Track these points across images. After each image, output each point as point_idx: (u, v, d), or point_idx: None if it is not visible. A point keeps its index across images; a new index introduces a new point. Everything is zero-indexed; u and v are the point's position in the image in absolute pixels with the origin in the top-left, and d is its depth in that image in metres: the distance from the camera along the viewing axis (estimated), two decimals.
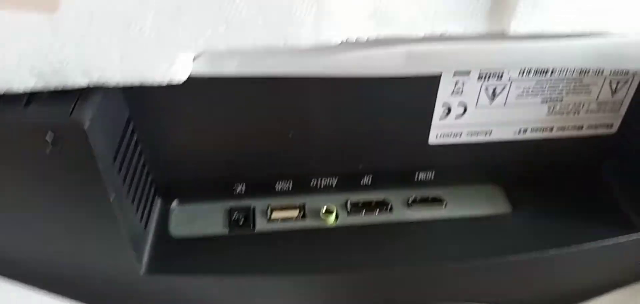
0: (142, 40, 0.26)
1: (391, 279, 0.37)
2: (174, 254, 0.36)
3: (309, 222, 0.38)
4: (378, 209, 0.39)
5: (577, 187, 0.40)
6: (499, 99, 0.35)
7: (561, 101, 0.35)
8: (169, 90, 0.28)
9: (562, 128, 0.37)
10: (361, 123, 0.35)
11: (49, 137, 0.27)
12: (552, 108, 0.36)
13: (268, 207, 0.38)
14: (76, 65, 0.26)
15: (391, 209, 0.39)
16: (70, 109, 0.27)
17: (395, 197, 0.40)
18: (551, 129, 0.37)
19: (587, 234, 0.37)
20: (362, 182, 0.39)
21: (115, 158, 0.30)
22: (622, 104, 0.36)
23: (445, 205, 0.39)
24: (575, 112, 0.36)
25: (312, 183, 0.39)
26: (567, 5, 0.27)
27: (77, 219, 0.31)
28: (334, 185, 0.39)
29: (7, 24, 0.25)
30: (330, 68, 0.29)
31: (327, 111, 0.34)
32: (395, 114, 0.35)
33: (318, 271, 0.36)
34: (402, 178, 0.39)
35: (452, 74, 0.33)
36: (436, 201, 0.40)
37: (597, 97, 0.36)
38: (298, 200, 0.39)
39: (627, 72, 0.35)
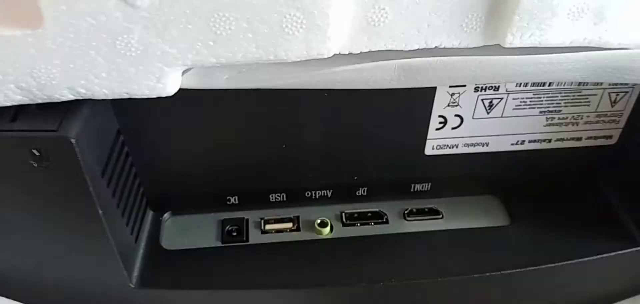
0: (129, 55, 0.25)
1: (387, 293, 0.36)
2: (165, 267, 0.35)
3: (303, 235, 0.38)
4: (374, 221, 0.38)
5: (576, 199, 0.40)
6: (496, 111, 0.34)
7: (559, 112, 0.35)
8: (160, 102, 0.27)
9: (561, 139, 0.37)
10: (356, 134, 0.35)
11: (36, 151, 0.27)
12: (550, 119, 0.35)
13: (261, 219, 0.38)
14: (62, 80, 0.26)
15: (387, 221, 0.39)
16: (57, 124, 0.26)
17: (391, 209, 0.39)
18: (549, 141, 0.36)
19: (587, 247, 0.36)
20: (357, 193, 0.39)
21: (104, 171, 0.30)
22: (621, 115, 0.36)
23: (442, 217, 0.39)
24: (573, 124, 0.36)
25: (306, 194, 0.38)
26: (564, 18, 0.27)
27: (66, 232, 0.31)
28: (328, 196, 0.39)
29: None
30: (321, 81, 0.28)
31: (321, 122, 0.34)
32: (391, 126, 0.34)
33: (312, 284, 0.35)
34: (398, 189, 0.39)
35: (448, 86, 0.32)
36: (433, 212, 0.39)
37: (596, 108, 0.35)
38: (292, 212, 0.39)
39: (626, 84, 0.34)
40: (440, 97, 0.33)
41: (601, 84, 0.34)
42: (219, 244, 0.37)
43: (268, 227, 0.38)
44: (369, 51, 0.27)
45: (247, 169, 0.36)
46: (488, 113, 0.34)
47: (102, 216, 0.29)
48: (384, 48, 0.27)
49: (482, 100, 0.33)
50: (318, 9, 0.25)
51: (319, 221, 0.38)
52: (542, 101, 0.34)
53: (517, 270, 0.35)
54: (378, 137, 0.35)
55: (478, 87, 0.33)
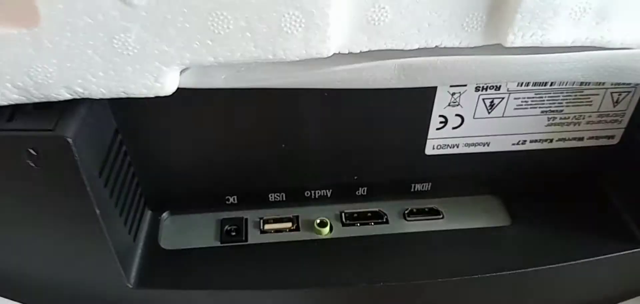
0: (126, 54, 0.25)
1: (387, 294, 0.36)
2: (163, 266, 0.35)
3: (303, 234, 0.37)
4: (373, 221, 0.38)
5: (578, 200, 0.39)
6: (497, 111, 0.34)
7: (561, 112, 0.35)
8: (158, 101, 0.27)
9: (562, 139, 0.36)
10: (356, 134, 0.35)
11: (32, 151, 0.26)
12: (551, 119, 0.35)
13: (261, 219, 0.38)
14: (59, 79, 0.26)
15: (387, 221, 0.38)
16: (54, 123, 0.26)
17: (391, 208, 0.39)
18: (551, 141, 0.36)
19: (588, 248, 0.36)
20: (357, 193, 0.39)
21: (101, 171, 0.30)
22: (624, 115, 0.36)
23: (443, 217, 0.39)
24: (575, 124, 0.35)
25: (305, 194, 0.38)
26: (567, 18, 0.26)
27: (63, 232, 0.31)
28: (328, 196, 0.39)
29: None
30: (321, 81, 0.28)
31: (321, 122, 0.34)
32: (391, 125, 0.34)
33: (312, 285, 0.35)
34: (398, 189, 0.39)
35: (449, 85, 0.32)
36: (433, 212, 0.39)
37: (599, 108, 0.35)
38: (291, 211, 0.38)
39: (629, 84, 0.34)
40: (440, 97, 0.33)
41: (603, 83, 0.33)
42: (218, 244, 0.37)
43: (267, 227, 0.38)
44: (368, 50, 0.27)
45: (246, 168, 0.36)
46: (489, 113, 0.34)
47: (100, 216, 0.29)
48: (383, 47, 0.27)
49: (483, 100, 0.33)
50: (317, 8, 0.24)
51: (318, 221, 0.38)
52: (543, 100, 0.34)
53: (518, 271, 0.35)
54: (378, 137, 0.35)
55: (479, 86, 0.32)
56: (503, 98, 0.33)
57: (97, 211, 0.29)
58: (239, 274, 0.35)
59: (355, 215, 0.39)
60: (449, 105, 0.33)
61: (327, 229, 0.37)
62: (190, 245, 0.36)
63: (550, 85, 0.33)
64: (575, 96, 0.34)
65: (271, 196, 0.38)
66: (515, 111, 0.34)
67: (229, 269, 0.35)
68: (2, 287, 0.34)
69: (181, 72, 0.27)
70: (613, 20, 0.27)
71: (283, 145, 0.34)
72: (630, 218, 0.38)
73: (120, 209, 0.32)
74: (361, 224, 0.38)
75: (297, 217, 0.38)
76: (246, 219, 0.38)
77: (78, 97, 0.27)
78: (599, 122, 0.36)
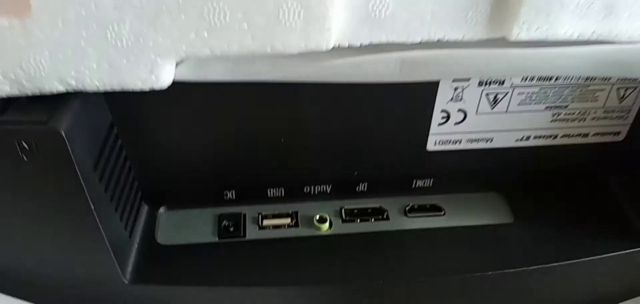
0: (120, 45, 0.25)
1: (387, 292, 0.35)
2: (160, 262, 0.35)
3: (302, 230, 0.37)
4: (374, 217, 0.38)
5: (582, 197, 0.39)
6: (501, 106, 0.33)
7: (566, 107, 0.34)
8: (154, 94, 0.27)
9: (567, 135, 0.36)
10: (356, 129, 0.34)
11: (25, 145, 0.26)
12: (556, 115, 0.34)
13: (259, 215, 0.38)
14: (51, 71, 0.25)
15: (387, 217, 0.38)
16: (47, 116, 0.26)
17: (392, 205, 0.39)
18: (555, 137, 0.36)
19: (592, 245, 0.36)
20: (357, 189, 0.38)
21: (96, 165, 0.29)
22: (629, 111, 0.35)
23: (444, 213, 0.38)
24: (580, 120, 0.35)
25: (305, 189, 0.38)
26: (573, 11, 0.26)
27: (58, 227, 0.30)
28: (328, 191, 0.38)
29: None
30: (320, 75, 0.28)
31: (321, 116, 0.33)
32: (392, 120, 0.34)
33: (311, 282, 0.34)
34: (399, 185, 0.38)
35: (451, 80, 0.32)
36: (434, 209, 0.39)
37: (604, 104, 0.34)
38: (290, 207, 0.38)
39: (635, 79, 0.33)
40: (443, 92, 0.32)
41: (609, 79, 0.33)
42: (216, 239, 0.36)
43: (266, 222, 0.37)
44: (369, 43, 0.26)
45: (245, 163, 0.36)
46: (492, 108, 0.33)
47: (94, 211, 0.29)
48: (385, 40, 0.26)
49: (486, 95, 0.33)
50: None
51: (317, 217, 0.37)
52: (548, 96, 0.33)
53: (521, 269, 0.35)
54: (379, 132, 0.34)
55: (482, 81, 0.32)
56: (507, 93, 0.33)
57: (92, 206, 0.28)
58: (237, 271, 0.34)
59: (356, 211, 0.38)
60: (451, 100, 0.33)
61: (327, 225, 0.37)
62: (187, 241, 0.36)
63: (555, 80, 0.32)
64: (581, 91, 0.33)
65: (270, 191, 0.38)
66: (519, 107, 0.33)
67: (226, 265, 0.35)
68: None
69: (177, 64, 0.27)
70: (620, 14, 0.26)
71: (282, 139, 0.34)
72: (635, 216, 0.37)
73: (116, 204, 0.32)
74: (361, 221, 0.38)
75: (296, 213, 0.38)
76: (244, 215, 0.38)
77: (72, 90, 0.26)
78: (605, 118, 0.35)
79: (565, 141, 0.36)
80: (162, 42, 0.25)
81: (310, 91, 0.31)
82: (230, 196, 0.38)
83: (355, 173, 0.37)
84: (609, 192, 0.39)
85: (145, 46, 0.25)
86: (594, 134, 0.36)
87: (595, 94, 0.34)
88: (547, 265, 0.35)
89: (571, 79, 0.33)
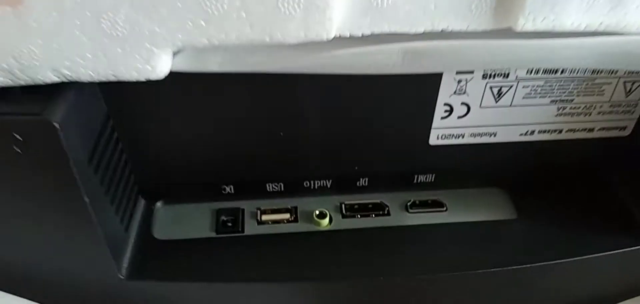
0: (115, 34, 0.24)
1: (387, 288, 0.35)
2: (157, 257, 0.34)
3: (301, 226, 0.37)
4: (374, 213, 0.38)
5: (587, 193, 0.38)
6: (505, 99, 0.33)
7: (571, 101, 0.34)
8: (151, 86, 0.26)
9: (572, 130, 0.35)
10: (357, 122, 0.34)
11: (18, 136, 0.26)
12: (561, 109, 0.34)
13: (258, 210, 0.37)
14: (45, 61, 0.25)
15: (388, 212, 0.38)
16: (41, 107, 0.25)
17: (393, 200, 0.38)
18: (560, 131, 0.35)
19: (597, 242, 0.35)
20: (358, 184, 0.38)
21: (91, 157, 0.29)
22: (636, 105, 0.35)
23: (446, 209, 0.38)
24: (586, 114, 0.35)
25: (304, 184, 0.38)
26: (580, 1, 0.25)
27: (52, 221, 0.30)
28: (328, 186, 0.38)
29: None
30: (321, 65, 0.27)
31: (321, 109, 0.33)
32: (394, 113, 0.33)
33: (309, 278, 0.34)
34: (400, 180, 0.38)
35: (455, 72, 0.31)
36: (436, 204, 0.38)
37: (610, 98, 0.34)
38: (289, 202, 0.38)
39: None
40: (446, 84, 0.32)
41: (616, 72, 0.32)
42: (213, 234, 0.36)
43: (264, 217, 0.37)
44: (371, 34, 0.26)
45: (243, 157, 0.35)
46: (496, 102, 0.33)
47: (89, 204, 0.28)
48: (387, 30, 0.26)
49: (490, 88, 0.32)
50: None
51: (317, 212, 0.37)
52: (553, 89, 0.33)
53: (524, 266, 0.34)
54: (380, 126, 0.34)
55: (486, 73, 0.31)
56: (511, 86, 0.32)
57: (86, 199, 0.28)
58: (235, 267, 0.34)
59: (356, 206, 0.38)
60: (454, 93, 0.32)
61: (327, 220, 0.37)
62: (184, 236, 0.36)
63: (561, 73, 0.32)
64: (587, 84, 0.33)
65: (269, 185, 0.37)
66: (523, 100, 0.33)
67: (224, 261, 0.34)
68: None
69: (174, 55, 0.26)
70: (629, 4, 0.25)
71: (281, 133, 0.33)
72: None
73: (111, 197, 0.32)
74: (362, 216, 0.37)
75: (296, 208, 0.37)
76: (243, 210, 0.37)
77: (66, 80, 0.26)
78: (611, 112, 0.35)
79: (570, 135, 0.35)
80: (158, 31, 0.24)
81: (310, 82, 0.30)
82: (229, 191, 0.37)
83: (356, 168, 0.37)
84: (613, 189, 0.39)
85: (140, 35, 0.24)
86: (600, 129, 0.36)
87: (602, 88, 0.33)
88: (551, 262, 0.34)
89: (577, 72, 0.32)
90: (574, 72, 0.32)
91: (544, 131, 0.35)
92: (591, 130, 0.35)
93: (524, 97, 0.33)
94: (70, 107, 0.26)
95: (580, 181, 0.38)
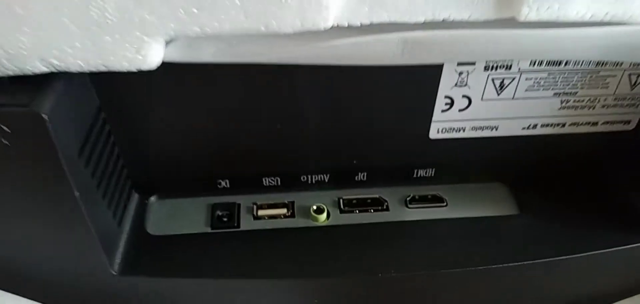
0: (105, 22, 0.23)
1: (386, 285, 0.34)
2: (150, 253, 0.34)
3: (298, 221, 0.36)
4: (373, 208, 0.37)
5: (590, 188, 0.38)
6: (507, 92, 0.32)
7: (575, 94, 0.33)
8: (143, 76, 0.26)
9: (575, 124, 0.35)
10: (355, 115, 0.33)
11: (5, 128, 0.25)
12: (565, 102, 0.34)
13: (254, 205, 0.37)
14: (33, 50, 0.24)
15: (387, 208, 0.37)
16: (29, 98, 0.25)
17: (392, 195, 0.38)
18: (563, 125, 0.35)
19: (600, 239, 0.35)
20: (356, 178, 0.38)
21: (81, 150, 0.28)
22: None
23: (446, 205, 0.38)
24: (590, 107, 0.34)
25: (301, 179, 0.37)
26: None
27: (42, 216, 0.29)
28: (325, 181, 0.37)
29: None
30: (318, 56, 0.26)
31: (318, 101, 0.32)
32: (393, 106, 0.33)
33: (307, 275, 0.34)
34: (400, 175, 0.38)
35: (456, 64, 0.31)
36: (436, 200, 0.38)
37: (615, 91, 0.33)
38: (286, 197, 0.37)
39: None
40: (447, 76, 0.31)
41: (621, 64, 0.32)
42: (209, 230, 0.36)
43: (261, 213, 0.37)
44: (370, 23, 0.25)
45: (239, 150, 0.35)
46: (498, 94, 0.32)
47: (79, 198, 0.28)
48: (386, 20, 0.25)
49: (492, 80, 0.32)
50: None
51: (315, 207, 0.36)
52: (557, 81, 0.32)
53: (526, 263, 0.34)
54: (379, 119, 0.33)
55: (488, 65, 0.31)
56: (514, 78, 0.32)
57: (77, 194, 0.27)
58: (230, 263, 0.34)
59: (354, 201, 0.37)
60: (455, 85, 0.32)
61: (324, 216, 0.36)
62: (179, 231, 0.35)
63: (565, 65, 0.31)
64: (591, 77, 0.32)
65: (265, 180, 0.37)
66: (526, 93, 0.33)
67: (219, 257, 0.34)
68: None
69: (166, 44, 0.25)
70: None
71: (278, 126, 0.33)
72: None
73: (103, 191, 0.31)
74: (360, 211, 0.37)
75: (293, 203, 0.37)
76: (239, 205, 0.37)
77: (55, 70, 0.25)
78: (615, 106, 0.34)
79: (574, 129, 0.35)
80: (148, 19, 0.23)
81: (307, 73, 0.30)
82: (224, 185, 0.37)
83: (354, 162, 0.37)
84: (617, 184, 0.38)
85: (130, 23, 0.23)
86: (604, 123, 0.35)
87: (606, 80, 0.33)
88: (553, 259, 0.34)
89: (581, 64, 0.32)
90: (578, 64, 0.31)
91: (547, 125, 0.35)
92: (595, 124, 0.35)
93: (526, 90, 0.32)
94: (59, 99, 0.25)
95: (584, 176, 0.38)
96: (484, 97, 0.33)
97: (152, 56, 0.25)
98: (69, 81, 0.26)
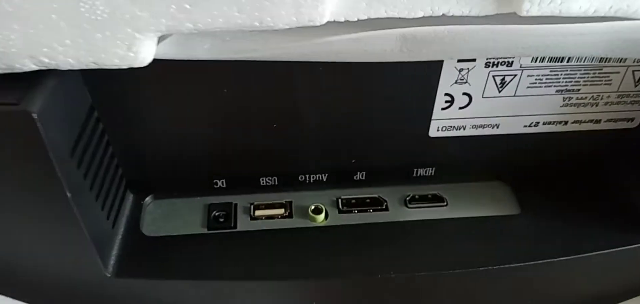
0: (95, 18, 0.23)
1: (386, 286, 0.34)
2: (145, 254, 0.33)
3: (296, 222, 0.36)
4: (372, 208, 0.37)
5: (593, 187, 0.38)
6: (508, 89, 0.32)
7: (578, 91, 0.33)
8: (136, 74, 0.25)
9: (578, 121, 0.35)
10: (353, 113, 0.33)
11: None
12: (567, 99, 0.33)
13: (251, 205, 0.37)
14: (22, 47, 0.23)
15: (387, 208, 0.37)
16: (19, 97, 0.24)
17: (391, 195, 0.37)
18: (565, 123, 0.35)
19: (603, 239, 0.34)
20: (355, 177, 0.37)
21: (74, 150, 0.28)
22: None
23: (447, 204, 0.37)
24: (593, 104, 0.34)
25: (299, 178, 0.37)
26: None
27: (34, 217, 0.29)
28: (323, 180, 0.37)
29: None
30: (314, 53, 0.26)
31: (315, 99, 0.32)
32: (392, 104, 0.33)
33: (305, 276, 0.33)
34: (399, 174, 0.37)
35: (456, 60, 0.30)
36: (436, 199, 0.37)
37: (618, 88, 0.33)
38: (284, 197, 0.37)
39: None
40: (447, 73, 0.31)
41: (624, 60, 0.32)
42: (205, 230, 0.35)
43: (258, 213, 0.36)
44: (367, 19, 0.25)
45: (236, 149, 0.34)
46: (500, 91, 0.32)
47: (71, 199, 0.27)
48: (384, 15, 0.25)
49: (493, 76, 0.31)
50: None
51: (313, 207, 0.36)
52: (559, 78, 0.32)
53: (527, 263, 0.33)
54: (378, 117, 0.33)
55: (489, 62, 0.31)
56: (515, 75, 0.31)
57: (69, 195, 0.27)
58: (227, 264, 0.33)
59: (353, 201, 0.37)
60: (455, 82, 0.31)
61: (322, 216, 0.36)
62: (174, 232, 0.35)
63: (567, 61, 0.31)
64: (594, 73, 0.32)
65: (262, 180, 0.37)
66: (528, 90, 0.32)
67: (216, 258, 0.34)
68: None
69: (159, 40, 0.25)
70: None
71: (275, 124, 0.33)
72: None
73: (97, 192, 0.31)
74: (359, 211, 0.37)
75: (290, 203, 0.37)
76: (235, 205, 0.37)
77: (45, 68, 0.25)
78: (618, 103, 0.34)
79: (576, 127, 0.35)
80: (140, 15, 0.23)
81: (303, 70, 0.30)
82: (221, 185, 0.37)
83: (353, 161, 0.36)
84: (620, 183, 0.38)
85: (121, 19, 0.23)
86: (607, 121, 0.35)
87: (609, 77, 0.32)
88: (555, 260, 0.33)
89: (584, 60, 0.31)
90: (580, 60, 0.31)
91: (549, 123, 0.34)
92: (598, 121, 0.35)
93: (528, 87, 0.32)
94: (50, 97, 0.25)
95: (586, 175, 0.38)
96: (484, 94, 0.32)
97: (144, 53, 0.24)
98: (60, 79, 0.26)
